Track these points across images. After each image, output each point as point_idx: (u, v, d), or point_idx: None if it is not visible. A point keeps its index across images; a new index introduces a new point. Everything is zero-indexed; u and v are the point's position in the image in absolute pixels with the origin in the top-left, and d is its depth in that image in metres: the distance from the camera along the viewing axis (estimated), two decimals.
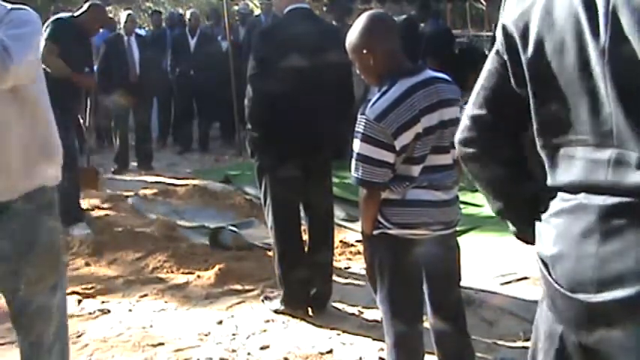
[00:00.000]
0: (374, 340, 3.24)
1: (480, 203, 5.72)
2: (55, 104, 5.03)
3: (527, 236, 1.49)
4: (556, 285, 1.28)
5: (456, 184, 2.47)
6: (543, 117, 1.32)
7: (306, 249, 3.73)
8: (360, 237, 3.74)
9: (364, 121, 2.29)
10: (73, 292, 4.01)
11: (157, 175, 7.55)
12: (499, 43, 1.38)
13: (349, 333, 3.39)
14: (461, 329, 2.58)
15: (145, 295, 3.99)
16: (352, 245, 4.69)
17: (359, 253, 4.41)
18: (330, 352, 3.22)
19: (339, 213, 4.90)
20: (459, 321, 2.58)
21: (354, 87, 3.95)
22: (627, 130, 1.16)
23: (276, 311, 3.64)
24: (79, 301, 3.92)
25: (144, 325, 3.58)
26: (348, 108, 3.82)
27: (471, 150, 1.50)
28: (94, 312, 3.76)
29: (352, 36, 2.42)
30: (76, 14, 5.31)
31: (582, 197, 1.24)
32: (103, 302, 3.91)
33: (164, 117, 9.38)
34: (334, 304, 3.74)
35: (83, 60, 5.39)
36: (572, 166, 1.27)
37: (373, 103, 2.31)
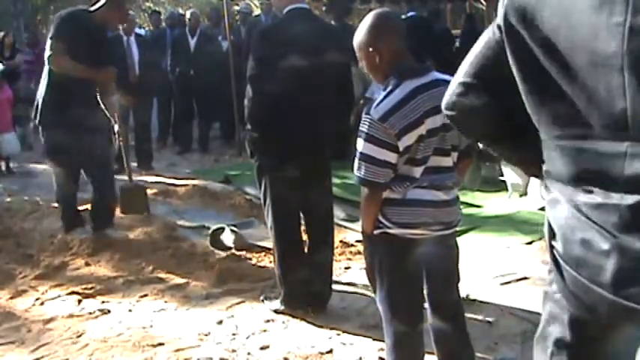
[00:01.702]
0: (374, 340, 3.24)
1: (479, 204, 5.74)
2: (60, 103, 4.77)
3: (527, 166, 1.55)
4: (575, 274, 1.28)
5: (456, 185, 2.47)
6: (547, 110, 1.31)
7: (306, 249, 3.73)
8: (360, 237, 3.74)
9: (368, 120, 2.29)
10: (73, 292, 4.02)
11: (157, 175, 7.55)
12: (500, 27, 1.37)
13: (349, 333, 3.39)
14: (460, 329, 2.58)
15: (145, 295, 3.99)
16: (352, 245, 4.69)
17: (359, 253, 4.41)
18: (330, 352, 3.22)
19: (339, 213, 4.90)
20: (458, 321, 2.59)
21: (354, 86, 3.95)
22: None
23: (276, 311, 3.65)
24: (79, 301, 3.92)
25: (144, 325, 3.58)
26: (348, 108, 3.82)
27: (457, 113, 1.56)
28: (94, 312, 3.76)
29: (359, 34, 2.43)
30: (92, 8, 4.69)
31: (599, 195, 1.23)
32: (103, 302, 3.91)
33: (164, 117, 9.38)
34: (334, 304, 3.74)
35: (98, 57, 4.65)
36: (581, 159, 1.26)
37: (378, 104, 2.31)
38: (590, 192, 1.25)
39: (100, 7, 4.65)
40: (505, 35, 1.35)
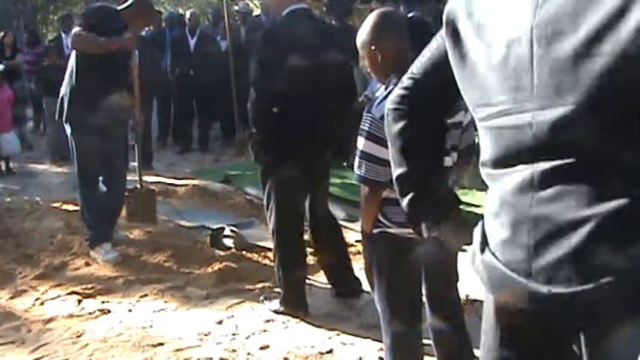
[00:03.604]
0: (374, 340, 3.24)
1: (480, 203, 5.73)
2: (88, 99, 4.58)
3: (414, 217, 1.56)
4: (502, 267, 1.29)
5: (455, 185, 2.47)
6: (472, 94, 1.35)
7: (315, 249, 3.74)
8: (360, 237, 3.74)
9: (370, 119, 2.30)
10: (73, 292, 4.02)
11: (157, 175, 7.54)
12: (443, 26, 1.42)
13: (349, 333, 3.40)
14: (460, 329, 2.58)
15: (145, 295, 3.99)
16: (352, 245, 4.68)
17: (359, 253, 4.41)
18: (330, 352, 3.22)
19: (338, 213, 4.90)
20: (457, 321, 2.59)
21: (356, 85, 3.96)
22: (549, 88, 1.18)
23: (275, 311, 3.65)
24: (79, 301, 3.92)
25: (144, 325, 3.58)
26: (350, 107, 3.82)
27: (401, 107, 1.55)
28: (94, 312, 3.76)
29: (362, 32, 2.44)
30: (119, 7, 4.62)
31: (518, 172, 1.26)
32: (103, 302, 3.91)
33: (164, 117, 9.37)
34: (334, 304, 3.74)
35: (121, 57, 4.60)
36: (500, 138, 1.29)
37: (379, 102, 2.32)
38: (512, 172, 1.27)
39: (126, 8, 4.60)
40: (446, 34, 1.39)
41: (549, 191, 1.20)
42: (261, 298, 3.81)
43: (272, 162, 3.51)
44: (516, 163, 1.25)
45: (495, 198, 1.32)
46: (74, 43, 4.46)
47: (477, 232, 1.39)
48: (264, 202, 3.65)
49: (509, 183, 1.27)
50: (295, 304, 3.61)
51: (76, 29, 4.46)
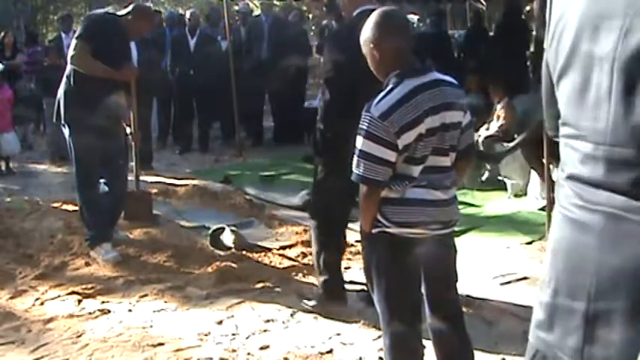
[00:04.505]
0: (374, 340, 3.24)
1: (479, 203, 5.74)
2: (85, 102, 4.57)
3: None
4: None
5: (454, 185, 2.48)
6: (560, 110, 1.34)
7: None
8: (359, 237, 3.74)
9: (368, 118, 2.29)
10: (73, 292, 4.02)
11: (157, 175, 7.54)
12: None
13: (349, 333, 3.40)
14: (460, 329, 2.58)
15: (145, 295, 3.99)
16: (352, 245, 4.68)
17: (359, 253, 4.41)
18: (330, 352, 3.22)
19: None
20: (457, 321, 2.59)
21: None
22: (623, 127, 1.16)
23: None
24: (79, 301, 3.92)
25: (144, 325, 3.58)
26: None
27: None
28: (94, 312, 3.76)
29: (364, 31, 2.44)
30: (119, 13, 4.68)
31: (585, 195, 1.25)
32: (103, 302, 3.91)
33: (164, 117, 9.36)
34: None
35: (122, 62, 4.60)
36: (576, 160, 1.28)
37: (378, 101, 2.31)
38: (579, 193, 1.27)
39: (127, 14, 4.63)
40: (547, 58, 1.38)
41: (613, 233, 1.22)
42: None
43: (338, 159, 3.52)
44: (584, 185, 1.26)
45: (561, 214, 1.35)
46: (76, 61, 4.45)
47: None
48: (313, 192, 3.70)
49: (578, 205, 1.29)
50: (335, 292, 3.65)
51: (77, 42, 4.45)
